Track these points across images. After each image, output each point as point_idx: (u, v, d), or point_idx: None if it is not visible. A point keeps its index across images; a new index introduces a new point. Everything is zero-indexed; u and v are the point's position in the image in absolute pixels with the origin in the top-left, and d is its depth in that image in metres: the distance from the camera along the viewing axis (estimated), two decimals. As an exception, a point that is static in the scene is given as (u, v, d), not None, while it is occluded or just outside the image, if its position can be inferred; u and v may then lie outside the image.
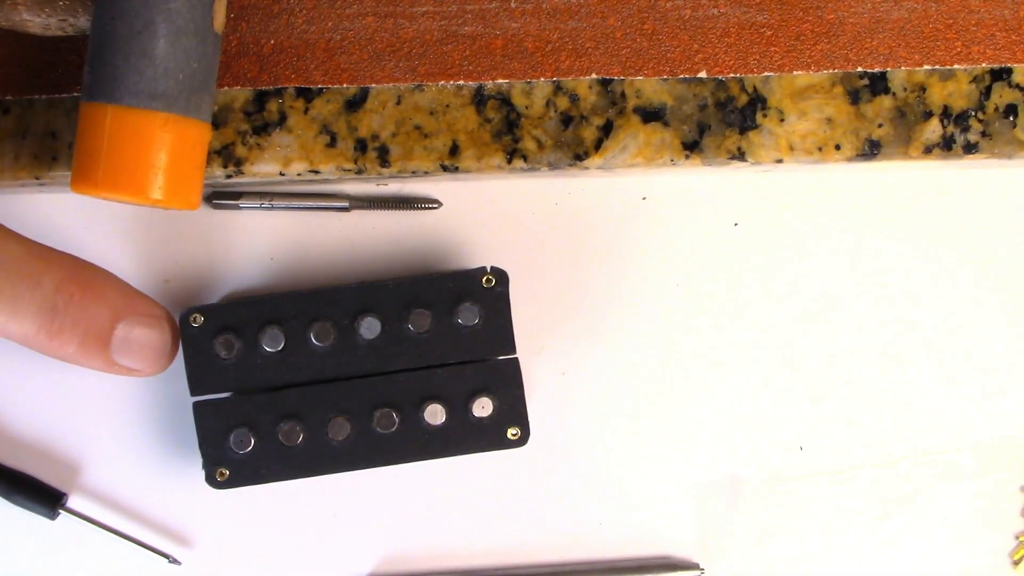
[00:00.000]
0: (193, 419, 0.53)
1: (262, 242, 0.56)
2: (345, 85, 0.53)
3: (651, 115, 0.53)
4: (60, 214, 0.56)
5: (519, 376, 0.54)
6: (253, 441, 0.53)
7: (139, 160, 0.46)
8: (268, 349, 0.53)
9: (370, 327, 0.53)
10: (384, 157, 0.53)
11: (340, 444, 0.53)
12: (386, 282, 0.53)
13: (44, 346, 0.48)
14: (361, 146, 0.53)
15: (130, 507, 0.57)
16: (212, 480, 0.53)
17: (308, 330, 0.53)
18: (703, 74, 0.53)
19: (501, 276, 0.53)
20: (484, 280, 0.53)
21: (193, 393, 0.53)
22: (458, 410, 0.53)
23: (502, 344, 0.53)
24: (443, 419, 0.53)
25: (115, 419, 0.56)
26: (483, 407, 0.53)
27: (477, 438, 0.54)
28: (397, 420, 0.53)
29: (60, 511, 0.56)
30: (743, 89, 0.53)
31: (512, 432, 0.54)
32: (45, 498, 0.56)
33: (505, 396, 0.53)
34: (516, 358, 0.54)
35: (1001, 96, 0.53)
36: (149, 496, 0.57)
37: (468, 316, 0.53)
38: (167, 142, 0.46)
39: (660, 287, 0.57)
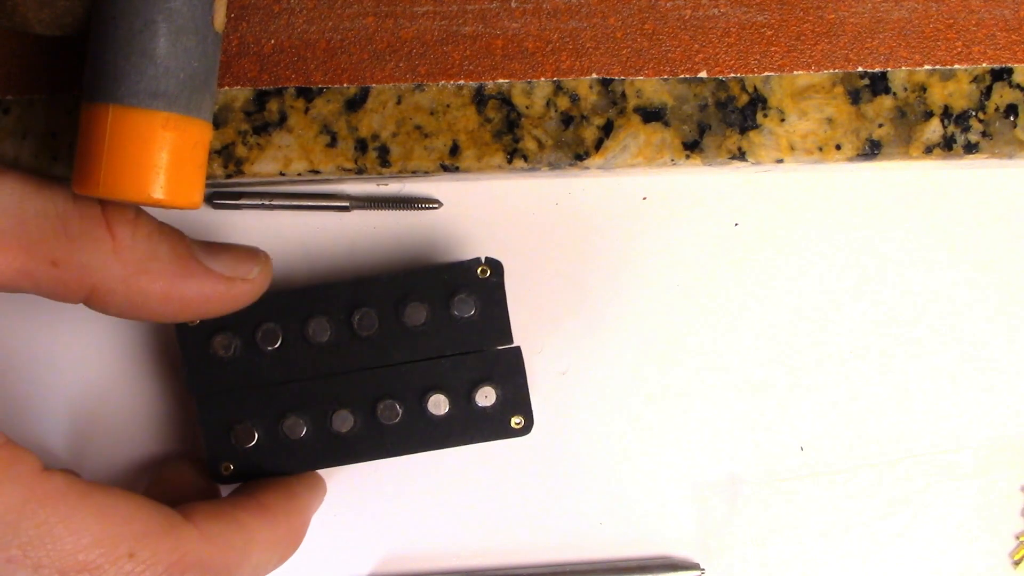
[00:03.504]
0: (197, 414, 0.53)
1: (262, 242, 0.56)
2: (345, 85, 0.53)
3: (652, 115, 0.53)
4: (60, 214, 0.56)
5: (522, 365, 0.54)
6: (257, 435, 0.53)
7: (141, 160, 0.45)
8: (265, 347, 0.53)
9: (366, 322, 0.53)
10: (384, 157, 0.53)
11: (343, 436, 0.53)
12: (380, 276, 0.53)
13: None
14: (361, 146, 0.53)
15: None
16: (217, 475, 0.53)
17: (304, 327, 0.53)
18: (703, 74, 0.53)
19: (496, 266, 0.53)
20: (479, 271, 0.53)
21: (190, 392, 0.53)
22: (461, 400, 0.53)
23: (499, 335, 0.53)
24: (447, 409, 0.53)
25: (117, 416, 0.56)
26: (486, 396, 0.53)
27: (481, 427, 0.54)
28: (400, 411, 0.53)
29: None
30: (744, 89, 0.53)
31: (516, 421, 0.54)
32: None
33: (508, 385, 0.54)
34: (518, 347, 0.54)
35: (1002, 96, 0.53)
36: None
37: (464, 308, 0.53)
38: (168, 141, 0.46)
39: (660, 287, 0.57)
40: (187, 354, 0.53)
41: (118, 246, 0.47)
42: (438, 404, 0.53)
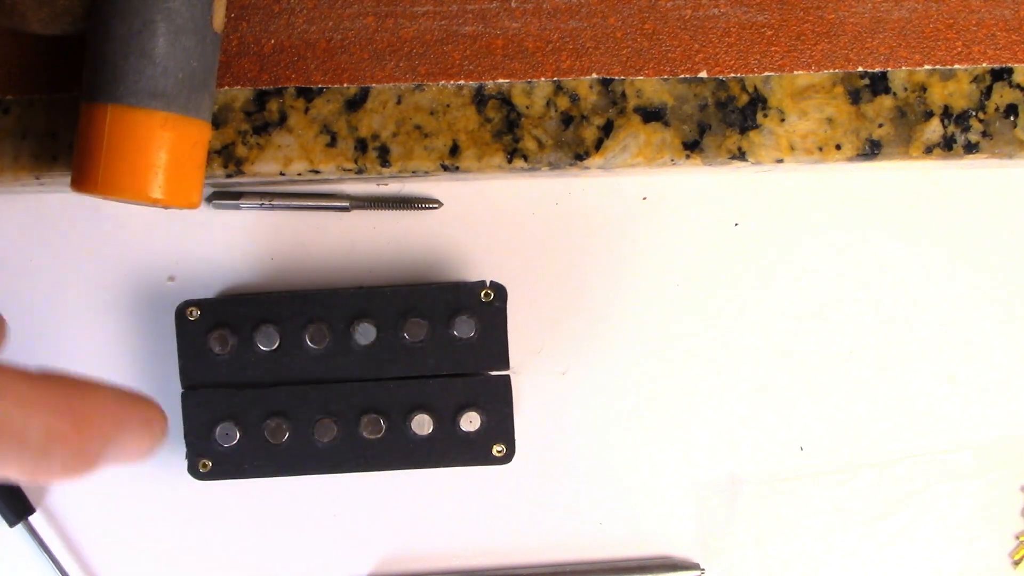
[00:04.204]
0: (181, 408, 0.53)
1: (262, 242, 0.56)
2: (345, 85, 0.53)
3: (652, 115, 0.53)
4: (60, 214, 0.56)
5: (509, 393, 0.54)
6: (239, 435, 0.53)
7: (139, 159, 0.46)
8: (262, 347, 0.53)
9: (365, 333, 0.53)
10: (384, 157, 0.53)
11: (325, 446, 0.53)
12: (384, 288, 0.53)
13: (32, 482, 0.44)
14: (361, 146, 0.53)
15: (119, 504, 0.57)
16: (194, 470, 0.53)
17: (303, 331, 0.53)
18: (704, 74, 0.53)
19: (500, 291, 0.53)
20: (483, 294, 0.53)
21: (184, 386, 0.53)
22: (446, 422, 0.53)
23: (496, 359, 0.54)
24: (430, 430, 0.53)
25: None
26: (471, 421, 0.53)
27: (462, 452, 0.54)
28: (384, 427, 0.53)
29: (20, 523, 0.55)
30: (744, 89, 0.53)
31: (498, 449, 0.54)
32: (14, 505, 0.55)
33: (493, 412, 0.54)
34: (508, 375, 0.54)
35: (1002, 96, 0.53)
36: (141, 492, 0.57)
37: (464, 329, 0.53)
38: (167, 141, 0.46)
39: (660, 287, 0.57)
40: (183, 346, 0.53)
41: None
42: (422, 424, 0.53)
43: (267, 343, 0.53)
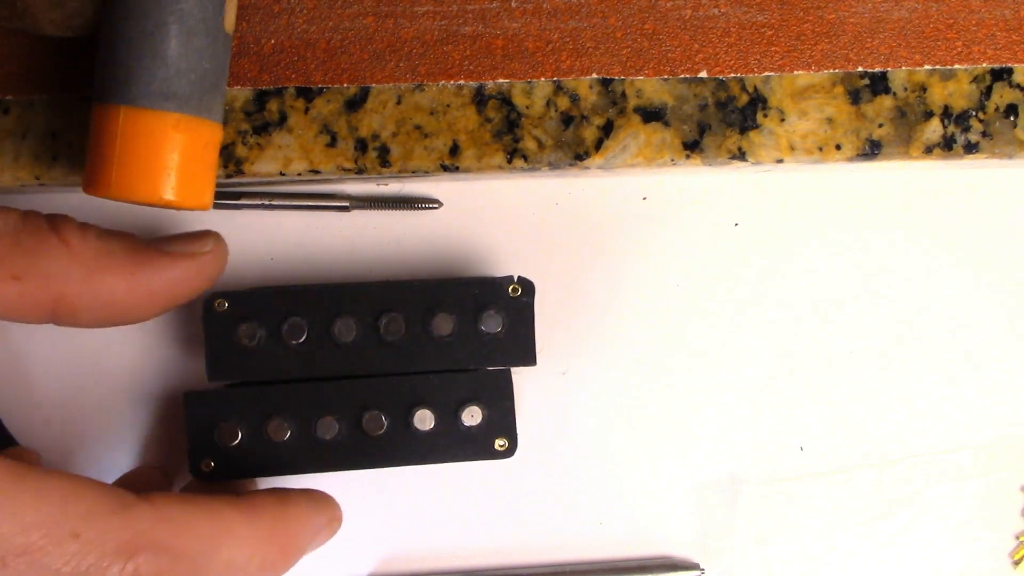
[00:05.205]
0: (183, 410, 0.53)
1: (262, 242, 0.56)
2: (345, 85, 0.53)
3: (652, 115, 0.53)
4: (58, 214, 0.55)
5: (510, 387, 0.54)
6: (241, 435, 0.53)
7: (152, 161, 0.45)
8: (290, 340, 0.53)
9: (393, 326, 0.53)
10: (384, 157, 0.53)
11: (327, 444, 0.53)
12: (411, 282, 0.53)
13: None
14: (361, 146, 0.53)
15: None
16: (196, 471, 0.53)
17: (331, 324, 0.53)
18: (704, 74, 0.53)
19: (527, 286, 0.53)
20: (510, 289, 0.53)
21: (210, 379, 0.53)
22: (447, 417, 0.53)
23: (523, 354, 0.54)
24: (432, 425, 0.53)
25: (107, 414, 0.56)
26: (472, 416, 0.53)
27: (464, 446, 0.54)
28: (386, 423, 0.53)
29: None
30: (744, 89, 0.53)
31: (500, 443, 0.54)
32: None
33: (495, 406, 0.53)
34: (508, 369, 0.54)
35: (1002, 96, 0.53)
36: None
37: (491, 324, 0.53)
38: (180, 142, 0.46)
39: (660, 287, 0.57)
40: (210, 338, 0.52)
41: (72, 249, 0.47)
42: (424, 419, 0.53)
43: (295, 336, 0.52)
